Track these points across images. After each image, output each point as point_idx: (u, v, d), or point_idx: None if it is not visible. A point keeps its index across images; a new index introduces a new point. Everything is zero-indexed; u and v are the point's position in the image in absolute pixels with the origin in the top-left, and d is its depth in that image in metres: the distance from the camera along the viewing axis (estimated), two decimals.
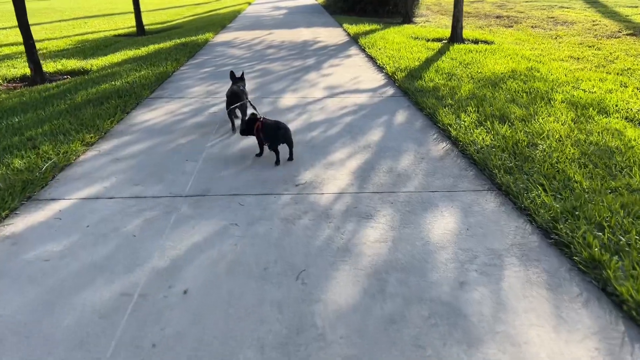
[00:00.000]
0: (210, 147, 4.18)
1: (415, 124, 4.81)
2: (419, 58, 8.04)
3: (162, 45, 9.74)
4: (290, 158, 3.84)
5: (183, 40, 10.21)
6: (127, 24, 15.91)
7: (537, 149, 3.94)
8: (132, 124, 4.79)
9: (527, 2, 22.27)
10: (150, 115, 5.10)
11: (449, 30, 12.36)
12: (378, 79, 6.88)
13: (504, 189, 3.27)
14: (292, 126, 4.63)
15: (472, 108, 5.08)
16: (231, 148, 4.15)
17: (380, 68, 7.52)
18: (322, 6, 20.70)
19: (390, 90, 6.16)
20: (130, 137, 4.40)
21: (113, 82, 6.37)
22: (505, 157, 3.76)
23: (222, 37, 11.23)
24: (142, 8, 22.82)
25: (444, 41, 10.59)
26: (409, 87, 6.00)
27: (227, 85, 6.26)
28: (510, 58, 8.21)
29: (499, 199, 3.17)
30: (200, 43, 9.76)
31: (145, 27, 14.29)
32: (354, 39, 10.63)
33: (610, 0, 21.57)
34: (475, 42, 10.61)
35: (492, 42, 10.30)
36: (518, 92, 5.87)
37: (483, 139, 4.16)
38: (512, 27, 13.90)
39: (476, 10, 18.53)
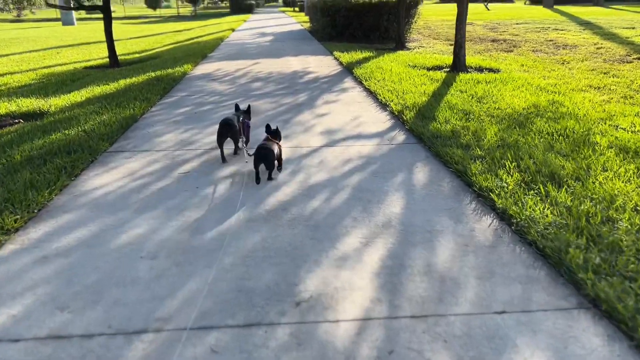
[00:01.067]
0: (177, 229, 3.09)
1: (443, 185, 3.77)
2: (424, 91, 7.08)
3: (134, 79, 8.68)
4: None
5: (158, 73, 9.17)
6: (102, 54, 14.84)
7: (618, 228, 2.91)
8: (79, 194, 3.69)
9: (517, 24, 21.74)
10: (104, 179, 4.01)
11: (448, 56, 11.52)
12: (382, 119, 5.87)
13: (605, 308, 2.21)
14: (287, 192, 3.57)
15: (510, 162, 4.06)
16: (202, 229, 3.07)
17: (383, 105, 6.54)
18: (309, 32, 19.89)
19: (400, 135, 5.15)
20: (70, 217, 3.29)
21: (67, 131, 5.28)
22: (581, 243, 2.72)
23: (203, 68, 10.22)
24: (121, 36, 21.93)
25: (445, 69, 9.70)
26: (424, 132, 4.99)
27: (205, 130, 5.21)
28: (526, 89, 7.30)
29: (601, 327, 2.11)
30: (177, 77, 8.73)
31: (121, 58, 13.25)
32: (348, 69, 9.69)
33: (602, 21, 21.09)
34: (480, 69, 9.73)
35: (498, 70, 9.42)
36: (553, 136, 4.90)
37: (542, 212, 3.12)
38: (512, 51, 13.13)
39: (469, 34, 17.82)
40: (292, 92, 7.59)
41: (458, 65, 9.45)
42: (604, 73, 9.22)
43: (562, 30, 18.51)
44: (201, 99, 7.18)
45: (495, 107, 6.17)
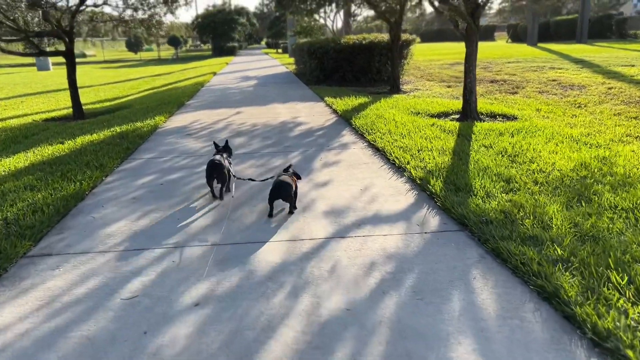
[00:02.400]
0: None
1: (527, 317, 2.44)
2: (443, 148, 5.86)
3: (94, 136, 7.35)
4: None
5: (124, 127, 7.85)
6: (69, 103, 13.52)
7: None
8: None
9: (509, 62, 21.07)
10: (6, 315, 2.59)
11: (450, 100, 10.42)
12: (401, 188, 4.58)
13: None
14: (287, 342, 2.21)
15: (613, 270, 2.76)
16: None
17: (398, 168, 5.27)
18: (294, 75, 18.87)
19: (433, 217, 3.84)
20: None
21: None
22: None
23: (178, 120, 8.93)
24: (96, 81, 20.75)
25: (453, 116, 8.60)
26: (466, 214, 3.70)
27: (171, 213, 3.86)
28: (561, 142, 6.13)
29: None
30: (145, 132, 7.41)
31: (88, 107, 11.96)
32: (344, 118, 8.47)
33: (597, 59, 20.49)
34: (493, 116, 8.62)
35: (514, 117, 8.31)
36: (635, 213, 3.63)
37: None
38: (517, 93, 12.14)
39: (462, 74, 16.90)
40: (282, 150, 6.31)
41: (469, 112, 8.31)
42: (634, 118, 8.14)
43: (559, 68, 17.75)
44: (171, 162, 5.84)
45: (537, 169, 4.94)
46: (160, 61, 40.65)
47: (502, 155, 5.55)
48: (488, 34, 55.13)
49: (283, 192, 3.77)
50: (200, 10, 50.64)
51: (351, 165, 5.46)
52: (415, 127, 7.29)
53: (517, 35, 46.43)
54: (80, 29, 10.31)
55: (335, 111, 9.39)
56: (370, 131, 7.05)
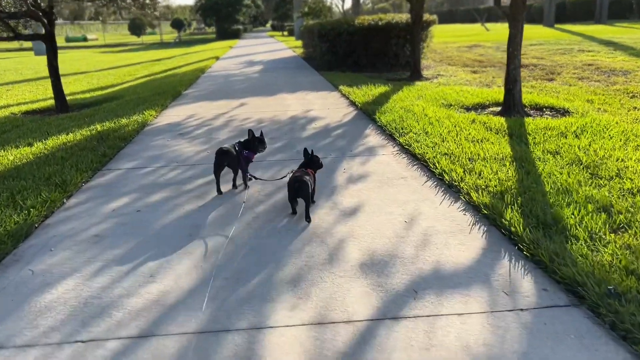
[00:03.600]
0: None
1: None
2: (499, 154, 4.64)
3: (70, 136, 6.15)
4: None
5: (107, 125, 6.64)
6: (64, 89, 12.28)
7: None
8: None
9: (532, 45, 19.59)
10: None
11: (482, 89, 9.08)
12: (461, 221, 3.35)
13: None
14: None
15: None
16: None
17: (447, 185, 4.01)
18: (303, 59, 17.51)
19: (524, 280, 2.62)
20: None
21: None
22: None
23: (171, 114, 7.68)
24: (93, 67, 19.37)
25: (491, 108, 7.38)
26: (580, 280, 2.45)
27: (145, 262, 2.63)
28: None
29: None
30: (131, 132, 6.19)
31: (76, 98, 10.75)
32: (365, 112, 7.21)
33: (626, 40, 19.04)
34: (538, 109, 7.35)
35: (566, 111, 7.04)
36: None
37: None
38: (553, 80, 10.79)
39: (486, 58, 15.55)
40: (294, 156, 5.06)
41: (512, 104, 7.02)
42: None
43: (589, 51, 16.31)
44: (155, 174, 4.62)
45: (635, 189, 3.67)
46: (162, 45, 39.23)
47: (578, 167, 4.29)
48: (500, 15, 53.16)
49: (297, 192, 3.43)
50: None
51: (385, 181, 4.21)
52: (454, 124, 6.02)
53: (531, 16, 44.54)
54: (61, 9, 9.00)
55: (353, 103, 8.11)
56: (401, 131, 5.78)
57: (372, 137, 5.82)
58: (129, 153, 5.42)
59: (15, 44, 40.44)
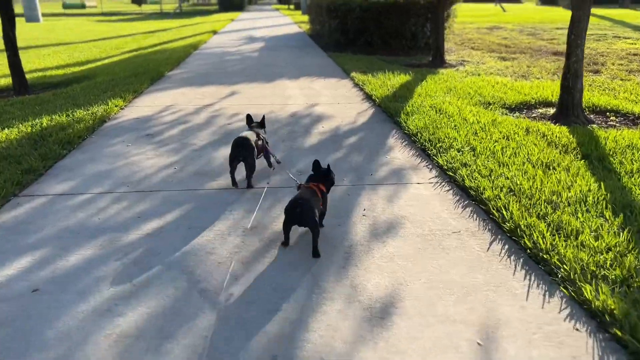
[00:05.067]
0: None
1: None
2: (585, 193, 3.19)
3: (4, 134, 4.66)
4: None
5: (57, 119, 5.19)
6: (30, 65, 10.77)
7: None
8: None
9: (559, 29, 17.96)
10: None
11: (519, 81, 7.50)
12: (574, 343, 1.87)
13: None
14: None
15: None
16: None
17: (526, 251, 2.55)
18: (309, 36, 15.87)
19: None
20: None
21: None
22: None
23: (143, 104, 6.20)
24: (79, 37, 17.61)
25: (541, 110, 6.01)
26: None
27: None
28: None
29: None
30: (81, 131, 4.74)
31: (46, 74, 9.23)
32: (385, 111, 5.74)
33: None
34: (600, 112, 5.94)
35: (637, 117, 5.56)
36: None
37: None
38: (599, 72, 9.27)
39: (511, 42, 13.92)
40: (293, 178, 3.58)
41: (571, 107, 5.56)
42: None
43: (626, 38, 14.69)
44: (89, 209, 3.18)
45: None
46: (161, 15, 37.29)
47: None
48: None
49: (302, 215, 2.57)
50: None
51: (429, 239, 2.76)
52: (504, 135, 4.55)
53: None
54: None
55: (368, 96, 6.61)
56: (437, 144, 4.31)
57: (399, 151, 4.34)
58: (67, 166, 3.96)
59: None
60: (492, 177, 3.53)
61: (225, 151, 4.28)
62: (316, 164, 2.90)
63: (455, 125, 4.89)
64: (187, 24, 24.28)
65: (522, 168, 3.74)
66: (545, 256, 2.50)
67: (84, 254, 2.61)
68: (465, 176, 3.56)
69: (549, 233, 2.72)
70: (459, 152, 4.10)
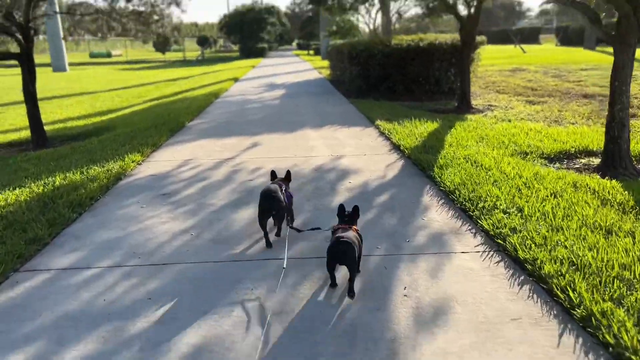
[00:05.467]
0: None
1: None
2: None
3: (10, 196, 4.42)
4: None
5: (71, 178, 4.91)
6: (50, 117, 10.78)
7: None
8: None
9: (584, 70, 17.62)
10: None
11: (553, 127, 7.03)
12: None
13: None
14: None
15: None
16: None
17: (608, 350, 2.08)
18: (329, 82, 15.79)
19: None
20: None
21: None
22: None
23: (161, 159, 5.95)
24: (103, 86, 17.79)
25: (582, 160, 5.56)
26: None
27: None
28: None
29: None
30: (94, 191, 4.46)
31: (67, 125, 9.15)
32: (416, 163, 5.37)
33: None
34: None
35: None
36: None
37: None
38: (636, 117, 8.79)
39: (537, 85, 13.58)
40: (320, 244, 3.20)
41: (617, 157, 5.15)
42: None
43: None
44: (94, 287, 2.87)
45: None
46: (184, 63, 38.14)
47: None
48: (532, 37, 51.04)
49: (342, 257, 2.64)
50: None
51: (483, 328, 2.33)
52: (551, 191, 4.11)
53: (568, 38, 42.26)
54: (42, 22, 7.43)
55: (396, 146, 6.27)
56: (478, 203, 3.90)
57: (436, 212, 3.94)
58: (75, 233, 3.64)
59: (41, 60, 39.68)
60: (548, 246, 3.10)
61: (245, 213, 3.94)
62: (341, 207, 2.98)
63: (495, 181, 4.48)
64: (209, 71, 24.63)
65: (579, 233, 3.30)
66: (633, 358, 2.04)
67: (83, 350, 2.24)
68: (517, 245, 3.13)
69: (631, 323, 2.26)
70: (504, 213, 3.69)
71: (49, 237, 3.49)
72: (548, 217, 3.60)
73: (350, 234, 2.73)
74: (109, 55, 52.70)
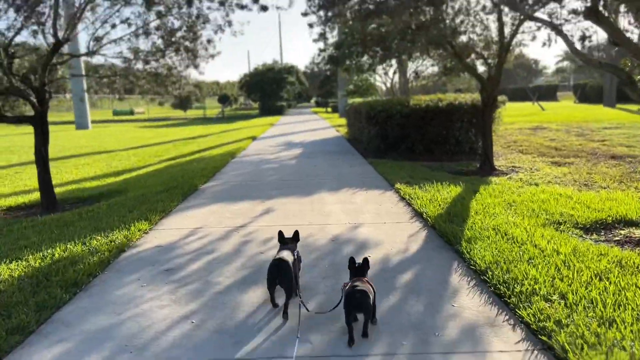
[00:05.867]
0: None
1: None
2: None
3: (4, 271, 4.09)
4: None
5: (71, 250, 4.62)
6: (65, 176, 10.70)
7: None
8: None
9: (607, 128, 17.29)
10: None
11: (585, 191, 6.59)
12: None
13: None
14: None
15: None
16: None
17: None
18: (347, 141, 15.64)
19: None
20: None
21: None
22: None
23: (169, 226, 5.65)
24: (122, 145, 17.86)
25: (620, 231, 5.10)
26: None
27: None
28: None
29: None
30: (92, 267, 4.12)
31: (80, 187, 9.01)
32: (442, 235, 4.96)
33: None
34: None
35: None
36: None
37: None
38: None
39: (561, 144, 13.22)
40: (340, 334, 2.78)
41: None
42: None
43: None
44: None
45: None
46: (205, 120, 38.82)
47: None
48: (550, 94, 51.17)
49: (358, 306, 2.83)
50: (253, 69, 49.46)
51: None
52: (597, 273, 3.67)
53: (586, 96, 42.13)
54: (60, 83, 7.41)
55: (417, 213, 5.89)
56: (514, 287, 3.48)
57: (467, 297, 3.50)
58: (65, 319, 3.29)
59: (62, 117, 40.85)
60: (603, 347, 2.64)
61: (254, 294, 3.56)
62: (352, 260, 3.14)
63: (530, 258, 4.05)
64: (228, 129, 24.85)
65: (637, 329, 2.83)
66: None
67: None
68: (567, 345, 2.67)
69: None
70: (546, 301, 3.24)
71: (35, 325, 3.13)
72: (597, 306, 3.14)
73: (365, 285, 2.90)
74: (131, 112, 54.11)
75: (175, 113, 54.74)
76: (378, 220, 5.71)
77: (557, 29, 5.89)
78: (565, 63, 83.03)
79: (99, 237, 5.00)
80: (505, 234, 4.78)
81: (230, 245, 4.84)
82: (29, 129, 7.33)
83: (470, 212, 5.76)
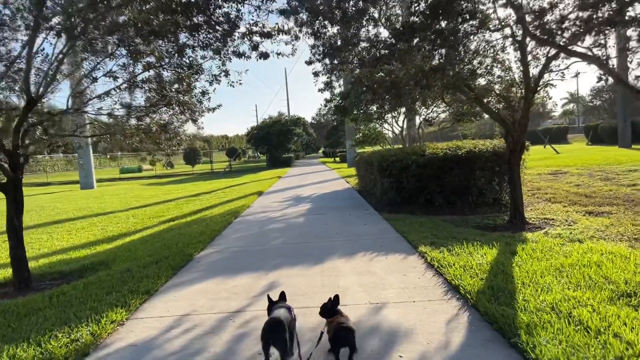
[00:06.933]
0: None
1: None
2: None
3: None
4: None
5: (19, 357, 3.59)
6: (59, 242, 9.79)
7: None
8: None
9: (631, 171, 16.24)
10: None
11: (638, 251, 5.49)
12: None
13: None
14: None
15: None
16: None
17: None
18: (358, 193, 14.70)
19: None
20: None
21: None
22: None
23: (149, 314, 4.66)
24: (122, 204, 16.83)
25: None
26: None
27: None
28: None
29: None
30: None
31: (65, 258, 8.06)
32: (484, 315, 3.88)
33: None
34: None
35: None
36: None
37: None
38: None
39: (589, 190, 12.17)
40: None
41: None
42: None
43: None
44: None
45: None
46: (212, 175, 38.24)
47: None
48: (561, 137, 50.45)
49: (345, 341, 3.23)
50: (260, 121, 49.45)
51: None
52: None
53: (598, 137, 41.25)
54: (35, 147, 6.60)
55: (451, 285, 4.83)
56: None
57: None
58: None
59: (66, 177, 40.47)
60: None
61: None
62: (324, 306, 3.53)
63: (615, 359, 2.97)
64: (235, 183, 24.08)
65: None
66: None
67: None
68: None
69: None
70: None
71: None
72: None
73: (347, 321, 3.24)
74: (139, 170, 53.86)
75: (183, 168, 54.46)
76: (405, 297, 4.67)
77: (602, 64, 5.01)
78: (572, 105, 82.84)
79: (60, 335, 4.00)
80: (571, 317, 3.72)
81: (222, 343, 3.81)
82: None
83: (516, 283, 4.71)
